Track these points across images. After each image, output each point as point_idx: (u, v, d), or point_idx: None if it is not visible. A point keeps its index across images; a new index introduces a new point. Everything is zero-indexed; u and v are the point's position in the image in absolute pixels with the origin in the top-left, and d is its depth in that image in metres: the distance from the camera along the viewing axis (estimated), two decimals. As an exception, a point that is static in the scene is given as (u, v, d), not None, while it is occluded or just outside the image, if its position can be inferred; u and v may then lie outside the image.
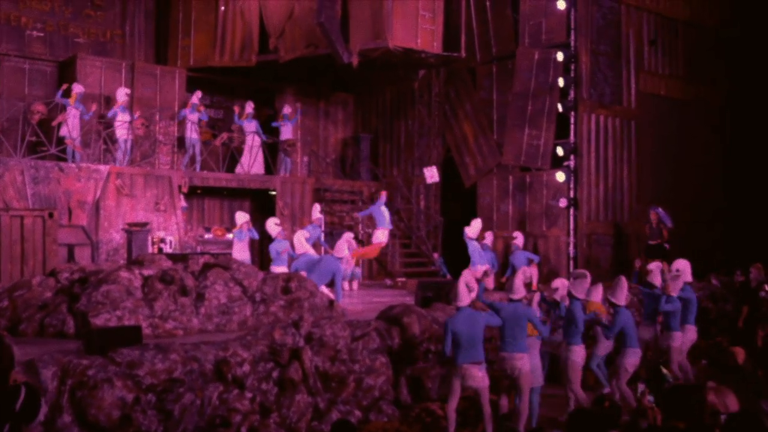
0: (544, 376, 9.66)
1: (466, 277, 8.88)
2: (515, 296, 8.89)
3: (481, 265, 14.97)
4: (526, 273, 9.30)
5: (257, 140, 18.55)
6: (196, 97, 18.09)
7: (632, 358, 9.61)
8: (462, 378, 8.37)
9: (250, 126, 18.55)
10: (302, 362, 8.64)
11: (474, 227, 15.55)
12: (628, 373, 9.61)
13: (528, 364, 8.73)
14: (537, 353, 9.37)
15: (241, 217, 15.20)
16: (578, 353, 9.45)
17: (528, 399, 8.78)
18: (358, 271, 16.92)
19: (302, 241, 14.05)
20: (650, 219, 16.09)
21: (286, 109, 19.28)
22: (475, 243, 15.47)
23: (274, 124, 19.23)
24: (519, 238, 16.21)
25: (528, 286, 14.51)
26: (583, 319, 9.54)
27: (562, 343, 9.62)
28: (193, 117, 17.82)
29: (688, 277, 11.40)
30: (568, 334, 9.49)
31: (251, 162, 18.41)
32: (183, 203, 17.08)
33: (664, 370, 7.50)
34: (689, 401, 5.55)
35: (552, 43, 16.84)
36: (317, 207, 16.77)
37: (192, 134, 17.78)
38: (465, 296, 8.56)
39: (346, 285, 15.92)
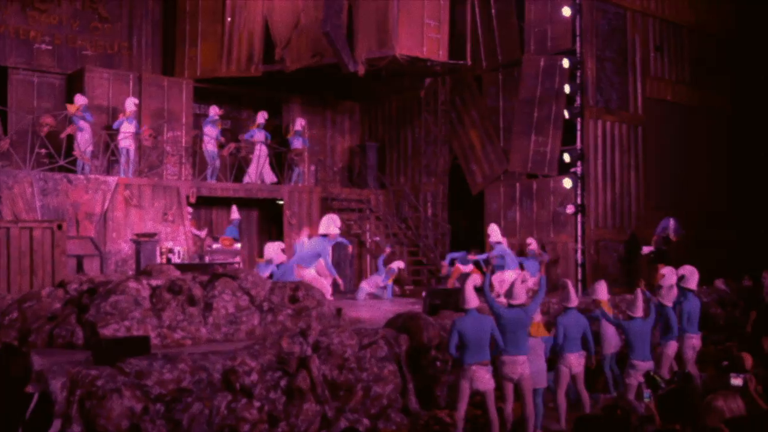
0: (548, 379, 9.70)
1: (475, 279, 8.94)
2: (516, 301, 8.93)
3: (512, 269, 14.86)
4: (525, 278, 9.38)
5: (264, 150, 18.62)
6: (214, 111, 18.22)
7: (637, 372, 9.64)
8: (470, 380, 8.44)
9: (259, 136, 18.63)
10: (310, 371, 8.65)
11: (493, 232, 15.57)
12: (632, 387, 9.63)
13: (528, 367, 8.78)
14: (542, 353, 9.38)
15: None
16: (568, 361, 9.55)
17: (532, 402, 8.82)
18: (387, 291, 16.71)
19: (278, 251, 14.42)
20: (667, 226, 16.00)
21: (299, 125, 19.37)
22: (503, 246, 15.35)
23: (291, 140, 19.27)
24: (533, 244, 16.06)
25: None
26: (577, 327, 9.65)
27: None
28: (211, 132, 17.95)
29: (693, 284, 11.36)
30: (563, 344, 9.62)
31: (258, 172, 18.48)
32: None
33: (656, 376, 7.54)
34: (682, 404, 5.61)
35: (558, 49, 16.85)
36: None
37: (210, 147, 17.90)
38: (472, 299, 8.69)
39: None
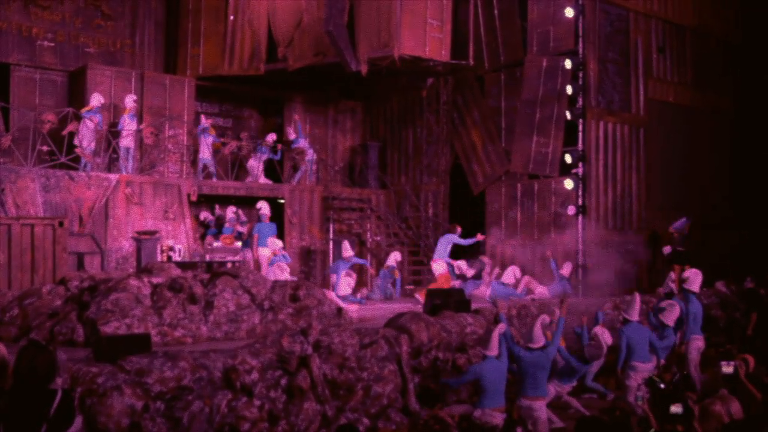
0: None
1: (501, 328, 8.82)
2: (535, 345, 8.76)
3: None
4: (545, 320, 9.28)
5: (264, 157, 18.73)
6: (206, 122, 18.23)
7: (637, 374, 9.66)
8: (485, 418, 8.41)
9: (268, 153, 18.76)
10: (310, 370, 8.65)
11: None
12: (632, 389, 9.63)
13: (545, 411, 8.65)
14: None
15: (275, 244, 15.55)
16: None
17: None
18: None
19: None
20: (683, 228, 15.85)
21: (293, 129, 19.50)
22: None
23: (293, 143, 19.32)
24: (566, 268, 15.56)
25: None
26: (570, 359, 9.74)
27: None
28: (207, 140, 17.96)
29: (696, 287, 11.36)
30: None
31: (259, 170, 18.50)
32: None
33: (656, 378, 7.55)
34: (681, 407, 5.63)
35: (560, 50, 16.84)
36: (347, 246, 16.42)
37: (205, 155, 17.89)
38: (496, 347, 8.62)
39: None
